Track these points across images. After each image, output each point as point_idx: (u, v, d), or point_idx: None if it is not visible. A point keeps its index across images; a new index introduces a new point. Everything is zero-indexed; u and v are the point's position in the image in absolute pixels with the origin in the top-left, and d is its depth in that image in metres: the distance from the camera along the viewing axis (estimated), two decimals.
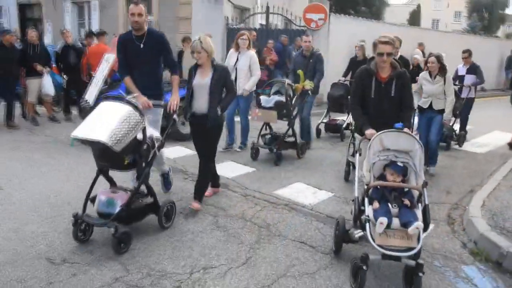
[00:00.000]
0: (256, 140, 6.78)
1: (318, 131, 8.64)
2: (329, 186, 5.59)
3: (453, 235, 4.33)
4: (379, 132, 3.69)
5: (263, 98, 6.58)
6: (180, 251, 3.79)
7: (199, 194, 4.73)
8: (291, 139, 6.92)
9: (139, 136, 3.81)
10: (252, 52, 6.96)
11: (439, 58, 5.96)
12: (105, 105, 3.84)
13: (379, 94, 4.04)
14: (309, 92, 6.94)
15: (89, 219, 3.83)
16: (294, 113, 6.76)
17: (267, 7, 12.67)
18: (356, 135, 4.45)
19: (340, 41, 12.54)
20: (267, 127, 6.93)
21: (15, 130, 8.17)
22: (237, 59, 6.87)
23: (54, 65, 9.33)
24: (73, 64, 9.10)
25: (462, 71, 8.44)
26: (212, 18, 12.91)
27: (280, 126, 6.99)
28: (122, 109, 3.69)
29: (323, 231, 4.27)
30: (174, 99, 4.53)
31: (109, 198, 3.91)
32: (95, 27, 14.35)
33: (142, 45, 4.61)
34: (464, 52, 8.42)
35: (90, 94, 7.57)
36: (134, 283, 3.25)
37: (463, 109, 8.14)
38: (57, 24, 16.10)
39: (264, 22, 14.48)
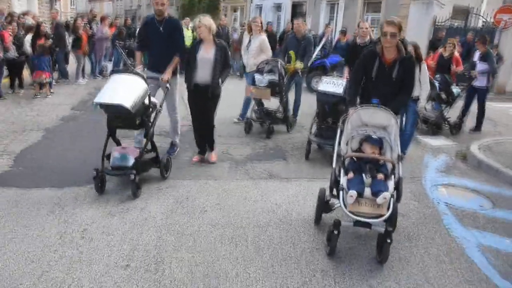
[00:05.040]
0: (249, 115, 7.35)
1: None
2: None
3: (460, 149, 7.22)
4: (357, 108, 3.89)
5: (257, 76, 6.91)
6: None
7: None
8: (281, 114, 7.40)
9: (146, 101, 4.49)
10: (264, 36, 7.67)
11: (416, 48, 5.97)
12: (118, 76, 4.48)
13: (381, 76, 4.14)
14: (299, 72, 7.37)
15: (110, 171, 4.48)
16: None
17: (468, 10, 15.07)
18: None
19: None
20: (258, 103, 7.40)
21: None
22: (249, 41, 7.60)
23: None
24: None
25: (476, 57, 8.28)
26: (422, 17, 16.14)
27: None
28: (133, 79, 4.38)
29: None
30: (167, 72, 5.21)
31: (122, 154, 4.52)
32: (339, 22, 19.49)
33: (161, 28, 5.30)
34: (478, 38, 8.46)
35: None
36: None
37: (470, 99, 8.28)
38: (315, 18, 21.95)
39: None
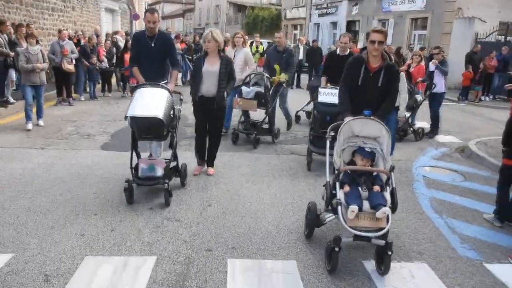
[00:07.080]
0: (236, 126, 7.61)
1: (297, 117, 9.59)
2: None
3: (460, 146, 8.43)
4: (348, 119, 3.88)
5: (244, 89, 7.18)
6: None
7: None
8: (267, 126, 7.63)
9: (171, 113, 4.74)
10: (247, 49, 7.86)
11: (394, 55, 6.11)
12: (146, 89, 4.70)
13: (367, 82, 4.19)
14: (284, 84, 7.65)
15: (143, 181, 4.70)
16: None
17: (508, 25, 15.92)
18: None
19: None
20: (245, 115, 7.67)
21: None
22: (234, 55, 7.63)
23: None
24: None
25: (432, 67, 8.89)
26: (464, 33, 17.19)
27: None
28: (162, 92, 4.67)
29: None
30: (171, 85, 5.32)
31: (150, 165, 4.79)
32: (389, 39, 20.81)
33: (152, 44, 5.40)
34: (434, 48, 9.11)
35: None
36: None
37: (431, 105, 8.90)
38: None
39: None
